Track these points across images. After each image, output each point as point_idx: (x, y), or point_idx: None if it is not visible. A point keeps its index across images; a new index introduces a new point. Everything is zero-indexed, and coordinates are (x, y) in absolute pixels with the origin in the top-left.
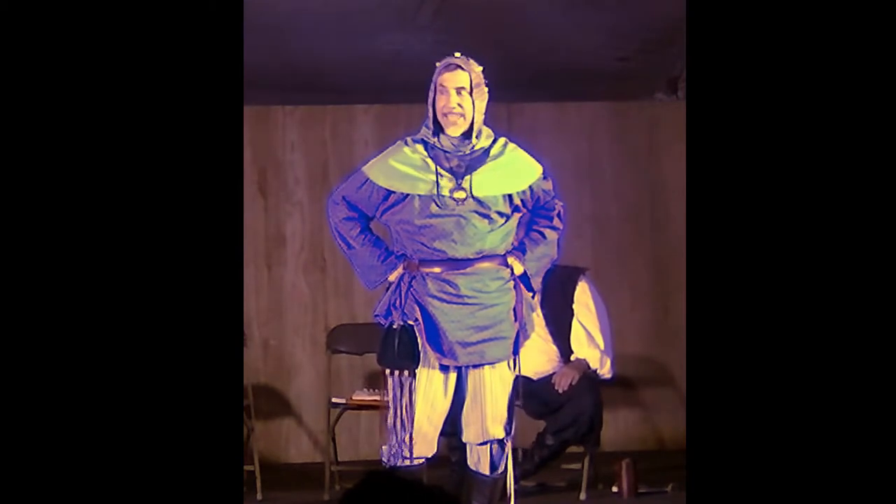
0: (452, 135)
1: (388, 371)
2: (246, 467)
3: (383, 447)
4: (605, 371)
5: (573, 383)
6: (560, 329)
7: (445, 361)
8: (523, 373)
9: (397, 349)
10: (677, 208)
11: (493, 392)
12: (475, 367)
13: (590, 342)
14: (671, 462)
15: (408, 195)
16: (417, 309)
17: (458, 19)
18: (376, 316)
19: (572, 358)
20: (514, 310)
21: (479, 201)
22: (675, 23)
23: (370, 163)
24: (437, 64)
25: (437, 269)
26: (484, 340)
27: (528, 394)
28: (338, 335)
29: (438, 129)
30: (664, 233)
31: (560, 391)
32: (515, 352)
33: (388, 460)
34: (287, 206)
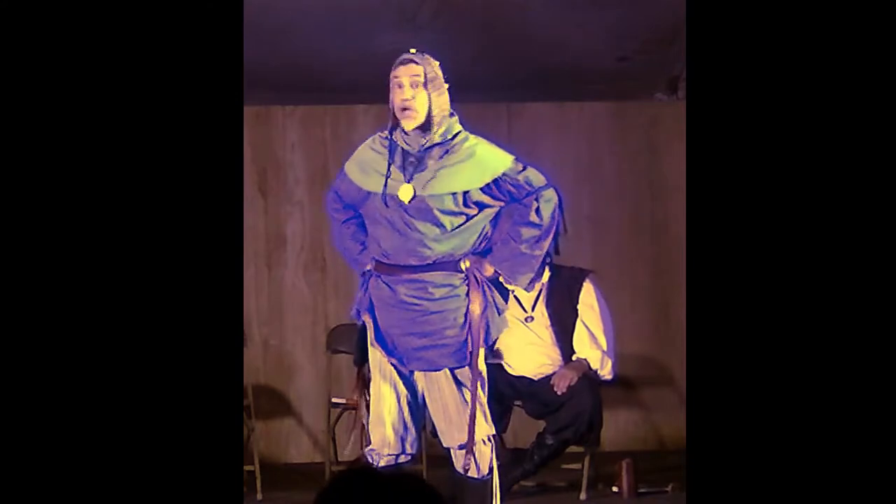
0: (407, 129)
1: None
2: (246, 467)
3: (369, 450)
4: (606, 372)
5: (571, 384)
6: (564, 329)
7: (394, 362)
8: (524, 373)
9: (359, 346)
10: (677, 208)
11: (454, 398)
12: (428, 372)
13: (592, 342)
14: (671, 462)
15: (370, 193)
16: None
17: (458, 19)
18: (350, 315)
19: (574, 358)
20: (466, 315)
21: (425, 203)
22: (675, 23)
23: (350, 160)
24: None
25: (385, 271)
26: (426, 347)
27: (528, 394)
28: (338, 335)
29: (396, 125)
30: (664, 233)
31: (558, 392)
32: (463, 358)
33: (371, 459)
34: (287, 206)
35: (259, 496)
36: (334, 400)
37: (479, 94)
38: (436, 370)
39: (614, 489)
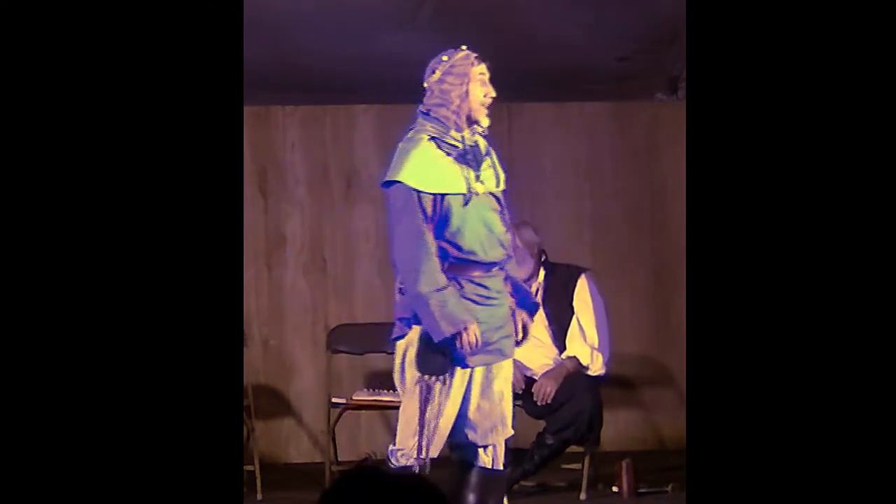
0: (485, 124)
1: (425, 377)
2: (246, 467)
3: (395, 449)
4: (597, 368)
5: (551, 393)
6: (562, 328)
7: (476, 361)
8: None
9: (445, 354)
10: (677, 208)
11: (508, 390)
12: (499, 365)
13: (582, 338)
14: (671, 462)
15: (444, 196)
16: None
17: (458, 19)
18: (400, 319)
19: (563, 356)
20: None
21: (495, 198)
22: (675, 23)
23: (404, 173)
24: (446, 58)
25: (470, 273)
26: (501, 338)
27: (528, 394)
28: (338, 335)
29: (471, 122)
30: (664, 233)
31: (539, 403)
32: (516, 343)
33: (398, 461)
34: (287, 206)
35: (259, 496)
36: (334, 400)
37: None
38: (504, 360)
39: (614, 489)
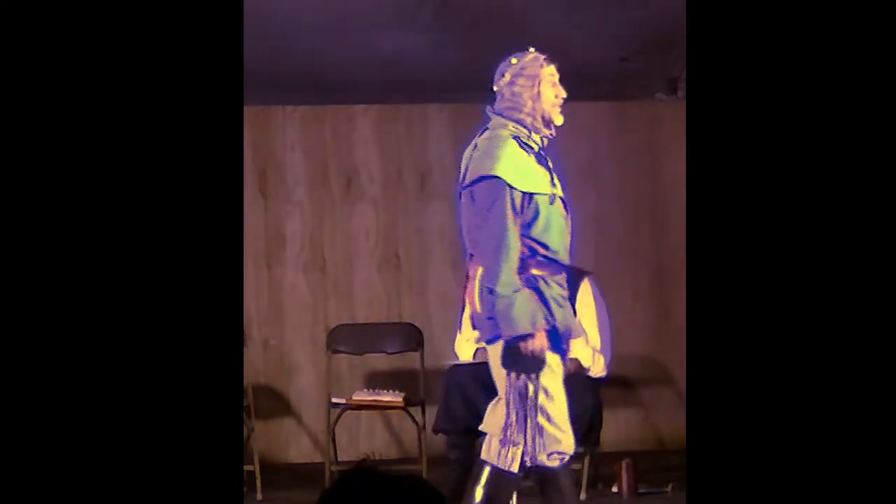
0: (558, 123)
1: (522, 376)
2: (246, 467)
3: (507, 452)
4: (598, 370)
5: None
6: None
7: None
8: None
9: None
10: (677, 208)
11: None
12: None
13: (584, 341)
14: (671, 462)
15: (532, 195)
16: (546, 311)
17: (458, 19)
18: (490, 318)
19: None
20: None
21: (563, 201)
22: (675, 23)
23: (499, 168)
24: (515, 60)
25: (553, 272)
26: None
27: None
28: (338, 335)
29: (545, 123)
30: (664, 232)
31: None
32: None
33: (528, 460)
34: (287, 206)
35: (259, 496)
36: (334, 400)
37: (479, 94)
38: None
39: (614, 489)
